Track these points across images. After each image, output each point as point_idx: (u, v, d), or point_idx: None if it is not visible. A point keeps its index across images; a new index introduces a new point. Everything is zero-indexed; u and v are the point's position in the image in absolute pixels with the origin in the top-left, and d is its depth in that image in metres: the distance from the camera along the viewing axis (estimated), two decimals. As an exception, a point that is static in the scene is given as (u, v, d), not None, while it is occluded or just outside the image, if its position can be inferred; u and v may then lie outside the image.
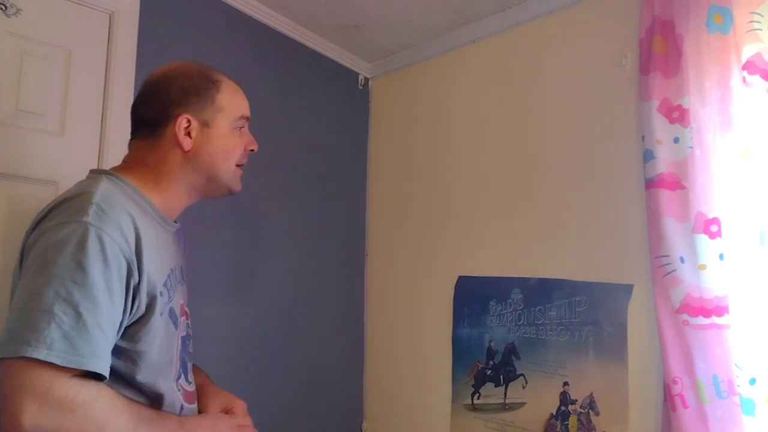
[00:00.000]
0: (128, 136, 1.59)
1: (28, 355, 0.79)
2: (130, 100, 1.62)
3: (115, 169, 1.09)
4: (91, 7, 1.60)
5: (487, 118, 2.12)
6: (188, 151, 1.08)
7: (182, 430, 0.98)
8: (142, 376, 0.96)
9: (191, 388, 1.13)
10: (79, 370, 0.83)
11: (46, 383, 0.80)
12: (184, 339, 1.16)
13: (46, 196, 1.49)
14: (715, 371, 1.40)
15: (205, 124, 1.10)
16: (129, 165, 1.10)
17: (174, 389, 1.04)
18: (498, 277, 1.99)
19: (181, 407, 1.05)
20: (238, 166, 1.17)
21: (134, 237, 0.95)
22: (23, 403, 0.78)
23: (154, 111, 1.10)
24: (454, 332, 2.09)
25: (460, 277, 2.12)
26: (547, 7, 1.96)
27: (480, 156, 2.12)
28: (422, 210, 2.30)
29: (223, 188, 1.15)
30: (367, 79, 2.59)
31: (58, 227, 0.88)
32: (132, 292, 0.94)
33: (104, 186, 0.97)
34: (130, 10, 1.67)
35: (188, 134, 1.08)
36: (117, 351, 0.92)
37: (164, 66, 1.16)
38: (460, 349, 2.06)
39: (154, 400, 0.99)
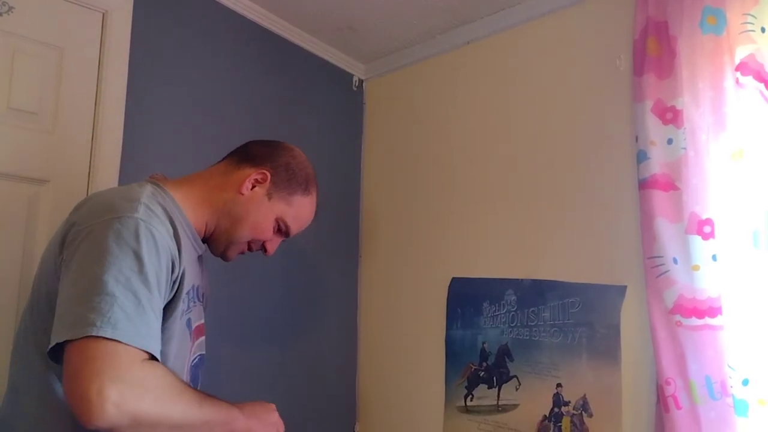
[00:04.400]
0: (120, 134, 1.62)
1: (95, 333, 0.79)
2: (123, 100, 1.65)
3: (168, 181, 1.17)
4: (84, 6, 1.59)
5: (482, 119, 2.11)
6: (241, 194, 1.18)
7: (236, 410, 1.01)
8: None
9: None
10: (144, 352, 0.84)
11: (124, 365, 0.80)
12: (201, 357, 1.22)
13: (38, 195, 1.49)
14: (708, 372, 1.40)
15: (269, 195, 1.21)
16: (183, 181, 1.18)
17: None
18: (491, 279, 1.98)
19: None
20: (247, 243, 1.25)
21: (174, 236, 1.02)
22: (104, 388, 0.76)
23: (258, 152, 1.24)
24: (447, 334, 2.08)
25: (453, 278, 2.11)
26: (541, 9, 1.96)
27: (474, 157, 2.11)
28: (416, 211, 2.29)
29: (224, 244, 1.22)
30: (361, 81, 2.59)
31: (111, 222, 0.92)
32: (171, 284, 1.00)
33: (150, 191, 1.04)
34: (123, 9, 1.67)
35: (254, 186, 1.19)
36: None
37: (300, 151, 1.34)
38: (454, 351, 2.06)
39: None
